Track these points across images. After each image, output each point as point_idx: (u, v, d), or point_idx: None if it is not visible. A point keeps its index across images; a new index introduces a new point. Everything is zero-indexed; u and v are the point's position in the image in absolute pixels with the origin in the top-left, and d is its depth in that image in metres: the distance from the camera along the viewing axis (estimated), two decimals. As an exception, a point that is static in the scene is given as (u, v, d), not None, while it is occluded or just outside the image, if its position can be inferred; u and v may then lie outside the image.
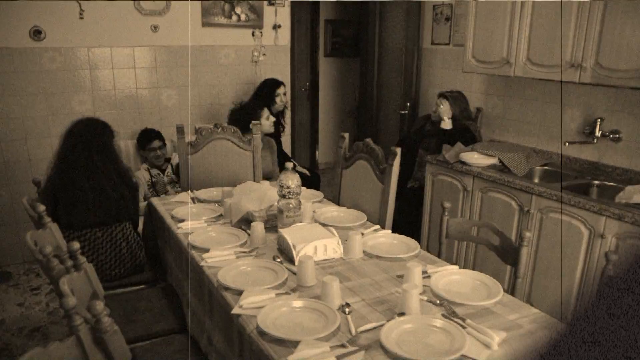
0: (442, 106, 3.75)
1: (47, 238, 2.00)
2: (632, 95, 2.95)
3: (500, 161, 3.26)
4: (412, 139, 3.95)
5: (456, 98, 3.79)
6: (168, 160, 3.97)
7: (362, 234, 2.24)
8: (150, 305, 2.37)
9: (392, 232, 2.35)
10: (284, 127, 4.52)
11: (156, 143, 3.86)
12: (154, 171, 3.86)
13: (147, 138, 3.88)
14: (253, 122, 3.32)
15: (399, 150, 2.59)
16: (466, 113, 3.81)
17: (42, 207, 2.10)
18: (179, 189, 3.81)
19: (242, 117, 3.61)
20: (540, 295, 2.94)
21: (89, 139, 2.55)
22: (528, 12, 3.09)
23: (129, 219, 2.68)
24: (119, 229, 2.62)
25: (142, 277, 2.70)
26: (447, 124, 3.73)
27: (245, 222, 2.35)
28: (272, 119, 3.82)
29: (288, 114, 4.68)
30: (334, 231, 2.14)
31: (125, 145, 3.98)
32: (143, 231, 2.86)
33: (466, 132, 3.69)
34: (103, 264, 2.57)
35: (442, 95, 3.81)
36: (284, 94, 4.29)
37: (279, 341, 1.47)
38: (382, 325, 1.54)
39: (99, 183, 2.53)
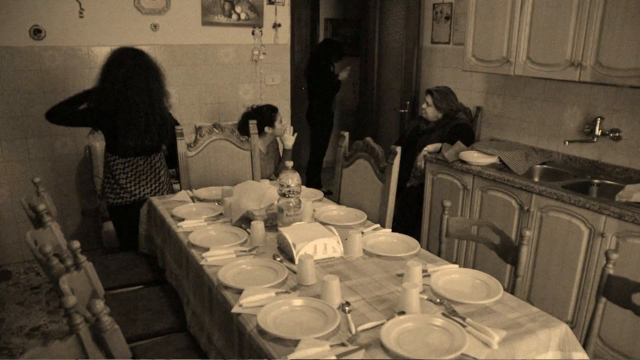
0: (428, 107, 3.74)
1: (47, 237, 2.00)
2: (632, 94, 2.95)
3: (500, 160, 3.26)
4: (409, 138, 3.95)
5: (442, 93, 3.76)
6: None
7: (362, 232, 2.24)
8: (150, 304, 2.37)
9: (392, 231, 2.35)
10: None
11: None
12: None
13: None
14: (250, 121, 3.31)
15: (399, 149, 2.58)
16: (455, 110, 3.78)
17: (41, 206, 2.10)
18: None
19: (261, 122, 3.57)
20: (540, 293, 2.94)
21: (144, 64, 2.81)
22: (528, 10, 3.09)
23: (164, 143, 3.00)
24: (157, 158, 2.97)
25: (139, 279, 2.67)
26: (433, 118, 3.73)
27: (245, 221, 2.35)
28: (287, 126, 3.79)
29: (288, 112, 4.68)
30: (334, 230, 2.14)
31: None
32: (144, 230, 2.87)
33: (463, 128, 3.68)
34: (144, 189, 2.92)
35: (428, 92, 3.80)
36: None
37: (279, 340, 1.48)
38: (382, 324, 1.54)
39: (153, 107, 2.78)
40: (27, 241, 1.86)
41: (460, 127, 3.69)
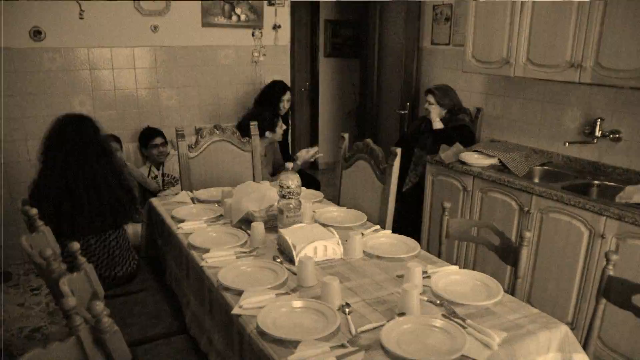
0: (430, 106, 3.74)
1: (42, 241, 1.98)
2: (632, 95, 2.95)
3: (500, 161, 3.27)
4: (409, 139, 3.95)
5: (443, 90, 3.78)
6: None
7: (362, 234, 2.24)
8: (148, 308, 2.36)
9: (392, 232, 2.35)
10: (287, 129, 4.54)
11: (158, 140, 3.88)
12: (153, 173, 3.87)
13: (149, 136, 3.91)
14: (251, 122, 3.32)
15: (399, 150, 2.58)
16: (458, 105, 3.80)
17: (34, 211, 2.08)
18: (173, 186, 3.82)
19: (264, 127, 3.59)
20: (541, 295, 2.94)
21: (85, 141, 2.37)
22: (528, 12, 3.09)
23: (125, 223, 2.55)
24: (113, 236, 2.49)
25: (135, 287, 2.58)
26: (438, 124, 3.72)
27: (245, 222, 2.35)
28: (284, 126, 3.83)
29: (288, 113, 4.68)
30: (334, 231, 2.14)
31: (126, 147, 3.98)
32: (144, 232, 2.86)
33: (463, 129, 3.68)
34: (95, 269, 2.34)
35: (428, 91, 3.80)
36: (288, 100, 4.28)
37: (279, 341, 1.47)
38: (382, 325, 1.54)
39: (99, 190, 2.36)
40: (23, 245, 1.85)
41: (460, 128, 3.69)
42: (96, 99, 4.01)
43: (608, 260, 1.80)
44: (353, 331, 1.53)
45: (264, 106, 4.07)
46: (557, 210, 2.79)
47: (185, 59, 4.27)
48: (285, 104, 4.25)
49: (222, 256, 2.03)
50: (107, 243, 2.47)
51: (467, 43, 3.53)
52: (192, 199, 2.80)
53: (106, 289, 2.39)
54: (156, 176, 3.88)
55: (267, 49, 4.58)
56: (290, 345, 1.46)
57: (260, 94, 4.29)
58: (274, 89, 4.25)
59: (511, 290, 2.05)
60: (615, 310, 1.81)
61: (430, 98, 3.75)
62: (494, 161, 3.29)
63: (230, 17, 4.34)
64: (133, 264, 2.60)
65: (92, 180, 2.35)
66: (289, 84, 4.52)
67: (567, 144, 3.21)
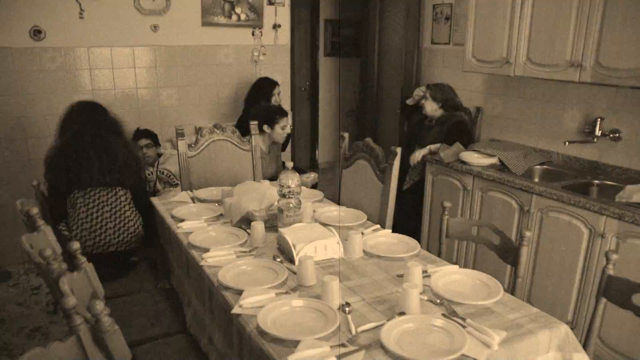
0: (425, 100, 3.76)
1: (42, 241, 1.99)
2: (632, 94, 2.95)
3: (500, 161, 3.27)
4: (412, 133, 3.96)
5: (438, 86, 3.80)
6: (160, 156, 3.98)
7: (362, 233, 2.24)
8: (148, 308, 2.36)
9: (392, 232, 2.35)
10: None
11: (142, 141, 3.86)
12: (148, 170, 3.87)
13: (135, 137, 3.91)
14: (251, 122, 3.31)
15: (399, 149, 2.58)
16: (451, 101, 3.79)
17: (35, 210, 2.09)
18: (172, 187, 3.81)
19: (262, 119, 3.51)
20: (541, 294, 2.94)
21: (97, 119, 2.77)
22: (528, 11, 3.09)
23: (131, 184, 2.80)
24: (122, 193, 2.74)
25: (135, 287, 2.61)
26: (431, 112, 3.77)
27: (245, 221, 2.35)
28: (288, 129, 3.74)
29: (289, 113, 4.67)
30: (334, 231, 2.13)
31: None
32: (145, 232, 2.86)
33: (461, 126, 3.68)
34: (107, 222, 2.67)
35: (426, 87, 3.84)
36: (278, 93, 4.25)
37: (279, 341, 1.47)
38: (382, 324, 1.54)
39: (109, 153, 2.69)
40: (23, 245, 1.85)
41: (456, 124, 3.69)
42: (96, 98, 3.99)
43: (608, 260, 1.80)
44: (353, 330, 1.53)
45: (255, 104, 4.04)
46: (557, 210, 2.79)
47: (185, 58, 4.27)
48: (277, 98, 4.20)
49: (222, 255, 2.03)
50: (118, 197, 2.72)
51: (467, 42, 3.53)
52: (192, 199, 2.80)
53: (116, 245, 2.71)
54: (151, 173, 3.87)
55: (267, 49, 4.58)
56: (290, 344, 1.45)
57: (249, 93, 4.24)
58: (263, 84, 4.21)
59: (511, 290, 2.05)
60: (615, 309, 1.81)
61: (426, 93, 3.79)
62: (493, 160, 3.29)
63: (230, 17, 4.34)
64: (140, 230, 2.80)
65: (103, 147, 2.69)
66: (288, 84, 4.52)
67: (567, 143, 3.21)
